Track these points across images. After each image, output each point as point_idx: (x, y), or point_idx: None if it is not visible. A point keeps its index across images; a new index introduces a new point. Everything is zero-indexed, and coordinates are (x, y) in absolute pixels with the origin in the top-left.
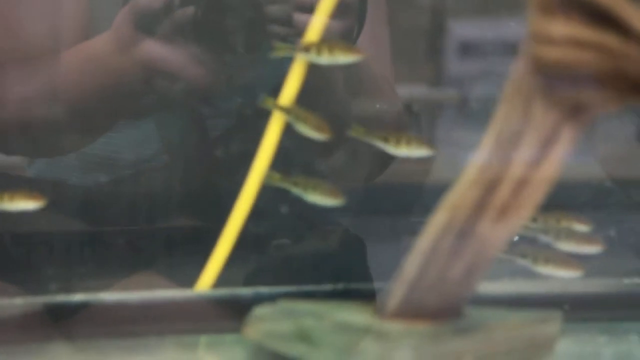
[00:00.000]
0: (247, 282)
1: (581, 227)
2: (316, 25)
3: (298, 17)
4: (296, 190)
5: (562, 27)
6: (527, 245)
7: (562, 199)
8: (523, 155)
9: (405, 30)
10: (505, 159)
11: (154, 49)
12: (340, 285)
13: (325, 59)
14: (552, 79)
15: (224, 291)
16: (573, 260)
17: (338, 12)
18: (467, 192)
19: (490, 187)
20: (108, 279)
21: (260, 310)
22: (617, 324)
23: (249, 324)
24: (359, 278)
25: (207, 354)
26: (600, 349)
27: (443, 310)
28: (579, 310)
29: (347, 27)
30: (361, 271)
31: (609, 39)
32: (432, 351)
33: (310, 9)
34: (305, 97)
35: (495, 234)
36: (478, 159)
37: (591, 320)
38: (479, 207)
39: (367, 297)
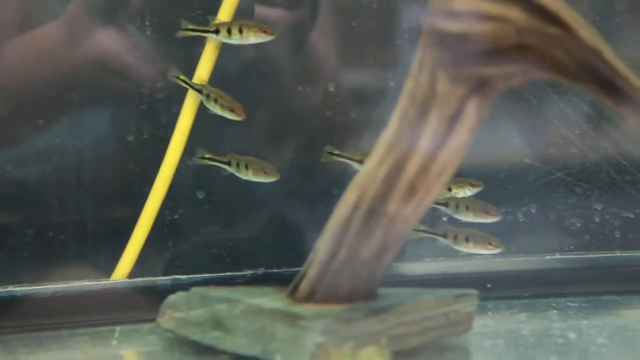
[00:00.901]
0: (167, 271)
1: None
2: (227, 6)
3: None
4: (230, 169)
5: (464, 0)
6: (449, 224)
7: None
8: (429, 132)
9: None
10: (412, 137)
11: (107, 41)
12: (260, 271)
13: (236, 39)
14: (455, 53)
15: (141, 280)
16: (493, 238)
17: (290, 3)
18: (375, 170)
19: (397, 165)
20: (40, 271)
21: (173, 298)
22: (537, 301)
23: (163, 313)
24: (282, 263)
25: (121, 344)
26: (520, 325)
27: (355, 292)
28: (501, 288)
29: (298, 18)
30: (285, 256)
31: (512, 13)
32: (344, 333)
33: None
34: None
35: (405, 212)
36: (385, 137)
37: (512, 298)
38: (388, 185)
39: (288, 281)
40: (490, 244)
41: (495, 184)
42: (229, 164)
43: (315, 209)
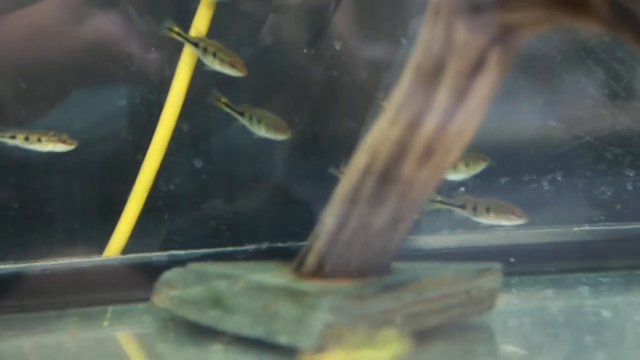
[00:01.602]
0: (163, 246)
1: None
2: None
3: None
4: (242, 120)
5: None
6: (467, 194)
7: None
8: (448, 87)
9: None
10: (428, 93)
11: (107, 26)
12: (264, 246)
13: (210, 60)
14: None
15: (135, 256)
16: (516, 208)
17: None
18: (388, 130)
19: (412, 124)
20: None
21: (169, 275)
22: (566, 276)
23: (158, 291)
24: (287, 237)
25: (113, 326)
26: (547, 303)
27: (367, 266)
28: (526, 262)
29: (324, 2)
30: (290, 230)
31: None
32: (355, 312)
33: None
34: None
35: (422, 176)
36: (398, 94)
37: (538, 273)
38: (402, 147)
39: (293, 257)
40: (513, 214)
41: (517, 149)
42: (242, 114)
43: (323, 178)
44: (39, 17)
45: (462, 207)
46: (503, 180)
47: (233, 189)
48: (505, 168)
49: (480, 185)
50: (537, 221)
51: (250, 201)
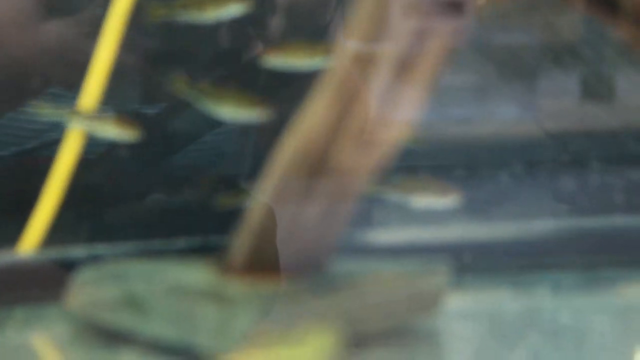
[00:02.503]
0: (83, 240)
1: None
2: None
3: None
4: (205, 102)
5: None
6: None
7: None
8: (383, 72)
9: None
10: (362, 78)
11: (63, 34)
12: (196, 240)
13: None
14: None
15: (50, 252)
16: (450, 186)
17: None
18: (320, 116)
19: (346, 109)
20: None
21: (83, 275)
22: (525, 275)
23: (72, 292)
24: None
25: (19, 332)
26: (503, 305)
27: (298, 264)
28: (481, 259)
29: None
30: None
31: None
32: (284, 314)
33: None
34: None
35: (356, 164)
36: (331, 79)
37: (494, 271)
38: (334, 132)
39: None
40: (448, 192)
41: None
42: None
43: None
44: None
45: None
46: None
47: (164, 174)
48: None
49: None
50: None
51: (184, 191)
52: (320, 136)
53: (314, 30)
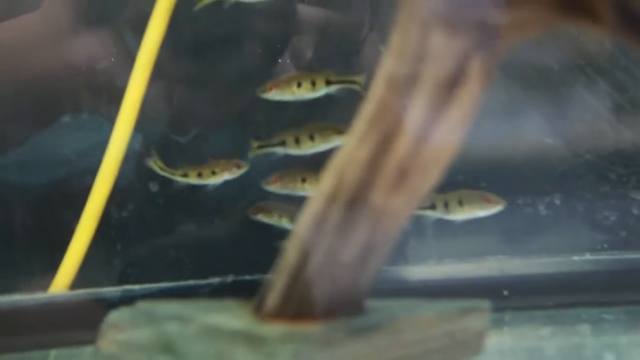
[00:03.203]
0: (116, 280)
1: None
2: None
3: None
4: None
5: None
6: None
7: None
8: (422, 101)
9: None
10: (400, 108)
11: (89, 47)
12: (229, 279)
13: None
14: None
15: (84, 292)
16: (490, 194)
17: (344, 4)
18: (356, 151)
19: (383, 144)
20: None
21: (116, 316)
22: (565, 312)
23: (103, 334)
24: (256, 269)
25: None
26: (543, 343)
27: (336, 305)
28: (520, 296)
29: (354, 21)
30: (259, 261)
31: None
32: (319, 357)
33: None
34: None
35: (395, 203)
36: (367, 109)
37: (534, 308)
38: (372, 170)
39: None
40: (487, 201)
41: (511, 169)
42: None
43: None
44: (18, 33)
45: (433, 207)
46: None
47: (194, 215)
48: (500, 189)
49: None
50: (533, 249)
51: (214, 229)
52: (354, 175)
53: (347, 51)
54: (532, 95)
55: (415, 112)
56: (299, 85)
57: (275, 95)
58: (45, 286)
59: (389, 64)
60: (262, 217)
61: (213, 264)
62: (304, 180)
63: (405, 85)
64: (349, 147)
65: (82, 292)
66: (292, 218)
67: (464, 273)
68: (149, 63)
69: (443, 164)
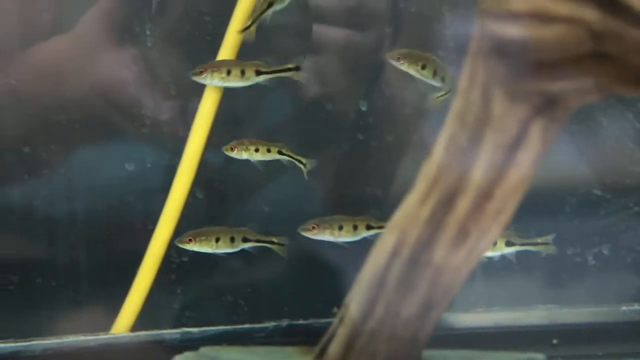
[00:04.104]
0: (175, 323)
1: None
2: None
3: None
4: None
5: None
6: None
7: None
8: (484, 162)
9: None
10: (462, 168)
11: (119, 67)
12: (284, 323)
13: None
14: (514, 65)
15: (145, 334)
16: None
17: (363, 23)
18: (418, 209)
19: (445, 203)
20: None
21: None
22: None
23: None
24: (310, 314)
25: None
26: None
27: (396, 357)
28: (569, 345)
29: (374, 40)
30: (313, 305)
31: (586, 13)
32: None
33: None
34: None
35: (455, 260)
36: (429, 168)
37: (583, 358)
38: (433, 228)
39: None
40: None
41: (560, 219)
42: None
43: (350, 248)
44: (50, 55)
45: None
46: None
47: (251, 259)
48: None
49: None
50: (582, 298)
51: (270, 273)
52: (416, 232)
53: (368, 70)
54: (581, 147)
55: (476, 174)
56: (229, 73)
57: (205, 80)
58: (107, 327)
59: (450, 125)
60: None
61: (268, 307)
62: (340, 228)
63: (466, 147)
64: (410, 206)
65: (143, 333)
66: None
67: (513, 321)
68: (209, 115)
69: (503, 223)
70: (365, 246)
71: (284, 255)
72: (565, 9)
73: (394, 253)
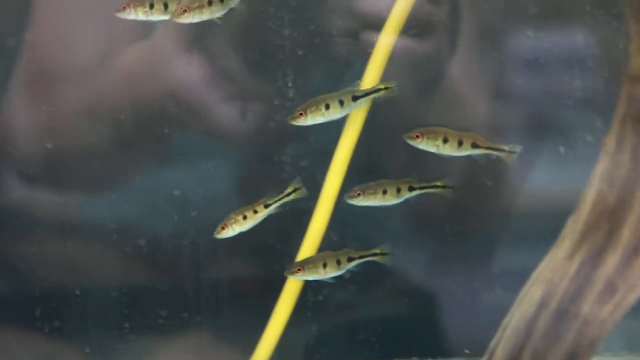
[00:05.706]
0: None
1: None
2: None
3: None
4: None
5: None
6: None
7: None
8: (633, 220)
9: None
10: (611, 226)
11: (185, 70)
12: None
13: None
14: None
15: None
16: None
17: (421, 31)
18: (565, 263)
19: (593, 259)
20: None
21: None
22: None
23: None
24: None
25: None
26: None
27: None
28: None
29: (433, 48)
30: (441, 344)
31: None
32: None
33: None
34: None
35: (601, 314)
36: (576, 224)
37: None
38: (581, 282)
39: None
40: None
41: None
42: None
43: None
44: (129, 63)
45: None
46: None
47: (383, 298)
48: None
49: None
50: None
51: (401, 310)
52: (564, 286)
53: (426, 80)
54: None
55: (626, 232)
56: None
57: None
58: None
59: (597, 184)
60: None
61: (398, 344)
62: (384, 192)
63: (615, 205)
64: (557, 259)
65: None
66: None
67: None
68: (346, 158)
69: None
70: (493, 297)
71: (388, 264)
72: None
73: (542, 304)
